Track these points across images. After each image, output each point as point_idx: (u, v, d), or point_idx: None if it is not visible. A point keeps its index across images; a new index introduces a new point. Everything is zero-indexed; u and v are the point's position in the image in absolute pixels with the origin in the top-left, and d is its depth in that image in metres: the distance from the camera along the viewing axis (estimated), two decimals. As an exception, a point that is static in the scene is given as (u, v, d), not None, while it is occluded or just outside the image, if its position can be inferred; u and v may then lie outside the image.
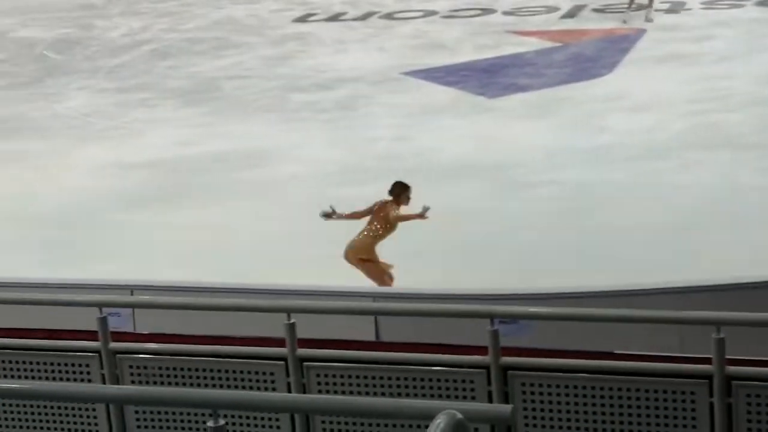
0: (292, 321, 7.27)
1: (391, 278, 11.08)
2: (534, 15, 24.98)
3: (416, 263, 11.66)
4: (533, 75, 20.12)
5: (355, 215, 11.43)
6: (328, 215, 11.42)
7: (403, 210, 11.27)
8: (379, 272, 11.13)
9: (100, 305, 7.72)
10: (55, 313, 8.73)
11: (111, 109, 19.18)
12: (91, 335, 7.96)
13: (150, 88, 20.40)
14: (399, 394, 7.14)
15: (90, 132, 17.89)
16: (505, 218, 13.32)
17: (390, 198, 11.37)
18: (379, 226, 11.24)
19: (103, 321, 7.62)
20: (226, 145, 16.63)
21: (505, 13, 25.37)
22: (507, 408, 4.30)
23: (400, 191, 11.38)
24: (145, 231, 13.23)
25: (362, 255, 11.20)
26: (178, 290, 9.10)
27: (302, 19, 26.12)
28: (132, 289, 9.52)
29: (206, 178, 15.19)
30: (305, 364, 7.32)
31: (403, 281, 10.74)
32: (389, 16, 25.88)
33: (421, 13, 25.84)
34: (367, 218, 11.34)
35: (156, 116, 18.60)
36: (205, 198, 14.32)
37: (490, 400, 6.82)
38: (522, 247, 12.39)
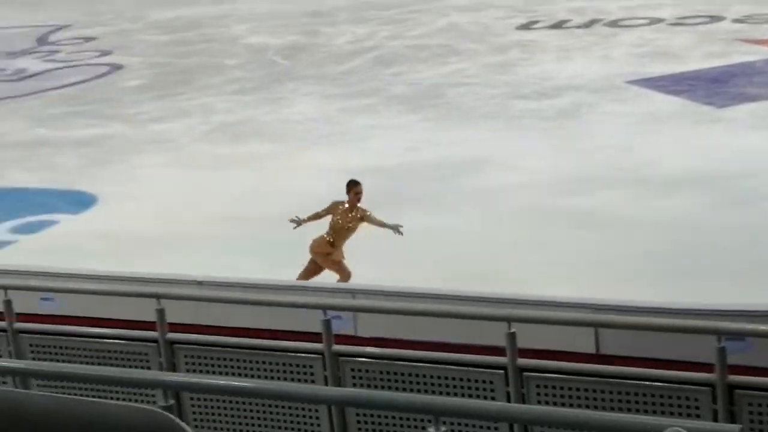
0: (512, 330, 7.25)
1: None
2: (766, 23, 24.20)
3: (638, 275, 11.47)
4: (764, 84, 19.50)
5: (317, 216, 11.86)
6: (296, 222, 11.83)
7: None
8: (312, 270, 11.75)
9: (324, 308, 7.88)
10: (278, 313, 8.95)
11: (336, 115, 19.53)
12: (314, 337, 8.12)
13: (374, 95, 20.69)
14: (619, 409, 7.03)
15: (315, 137, 18.26)
16: (733, 231, 12.95)
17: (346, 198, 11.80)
18: (336, 225, 11.73)
19: (327, 324, 7.77)
20: (448, 151, 16.72)
21: (735, 20, 24.66)
22: (735, 428, 4.18)
23: (349, 189, 11.75)
24: (366, 236, 13.39)
25: (316, 250, 11.79)
26: (399, 296, 9.18)
27: (526, 27, 26.03)
28: (354, 293, 9.65)
29: (428, 184, 15.29)
30: (525, 374, 7.29)
31: (624, 294, 10.56)
32: (614, 24, 25.52)
33: (647, 21, 25.38)
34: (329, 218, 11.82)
35: (379, 122, 18.84)
36: (427, 204, 14.42)
37: (715, 419, 6.65)
38: (749, 262, 12.02)
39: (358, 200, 11.84)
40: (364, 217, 11.81)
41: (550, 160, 16.04)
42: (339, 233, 11.84)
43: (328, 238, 11.85)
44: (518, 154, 16.44)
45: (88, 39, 28.98)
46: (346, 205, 11.83)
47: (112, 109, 21.02)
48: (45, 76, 24.81)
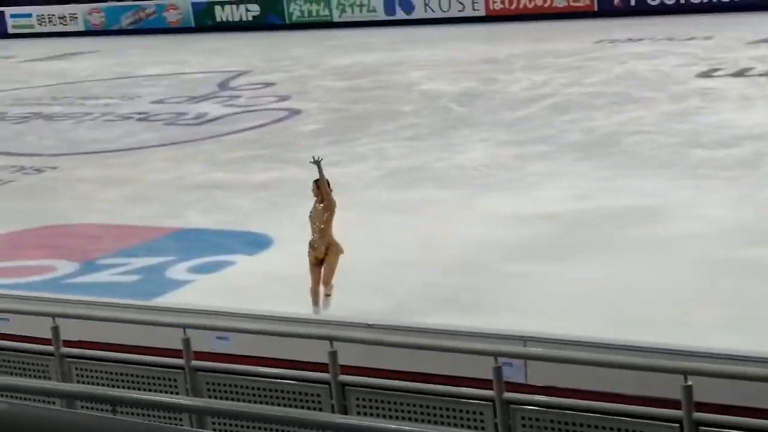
0: (689, 383, 7.08)
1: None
2: None
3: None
4: None
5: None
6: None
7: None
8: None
9: (495, 354, 7.82)
10: (444, 358, 8.93)
11: (510, 162, 19.48)
12: (484, 384, 8.07)
13: (549, 142, 20.58)
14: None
15: (488, 183, 18.23)
16: None
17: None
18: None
19: (498, 371, 7.72)
20: (622, 200, 16.49)
21: None
22: None
23: None
24: (539, 283, 13.31)
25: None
26: (571, 344, 9.06)
27: (706, 74, 25.58)
28: (525, 340, 9.57)
29: (601, 232, 15.10)
30: (701, 428, 7.10)
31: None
32: (799, 72, 24.91)
33: (834, 69, 24.70)
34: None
35: (553, 169, 18.71)
36: (600, 252, 14.23)
37: None
38: None
39: (316, 196, 12.33)
40: (326, 203, 12.24)
41: (729, 210, 15.66)
42: (316, 232, 12.28)
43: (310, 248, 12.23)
44: (696, 203, 16.10)
45: (267, 84, 29.67)
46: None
47: (288, 154, 21.41)
48: (224, 120, 25.47)
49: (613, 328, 11.15)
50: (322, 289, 12.17)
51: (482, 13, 38.34)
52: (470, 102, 24.96)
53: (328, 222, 12.28)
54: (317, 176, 12.24)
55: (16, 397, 7.43)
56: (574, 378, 8.50)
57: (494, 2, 38.11)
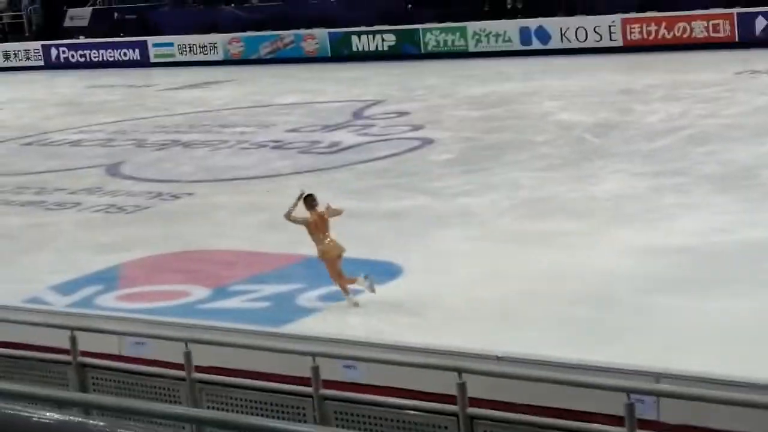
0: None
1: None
2: None
3: None
4: None
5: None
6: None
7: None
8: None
9: (627, 391, 7.67)
10: (574, 393, 8.79)
11: (644, 193, 19.18)
12: (615, 420, 7.92)
13: (685, 174, 20.22)
14: None
15: (622, 215, 17.98)
16: None
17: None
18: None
19: (630, 407, 7.56)
20: (761, 233, 16.10)
21: None
22: None
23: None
24: (673, 317, 13.04)
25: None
26: (707, 382, 8.82)
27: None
28: (658, 376, 9.35)
29: (740, 265, 14.75)
30: None
31: None
32: None
33: None
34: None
35: (689, 201, 18.37)
36: (738, 286, 13.89)
37: None
38: None
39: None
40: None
41: None
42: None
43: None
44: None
45: (401, 114, 29.78)
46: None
47: (419, 183, 21.43)
48: (358, 149, 25.61)
49: (749, 365, 10.83)
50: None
51: (619, 43, 37.93)
52: (605, 133, 24.69)
53: (312, 236, 14.28)
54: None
55: (148, 422, 7.52)
56: (709, 417, 8.28)
57: (632, 32, 37.69)
